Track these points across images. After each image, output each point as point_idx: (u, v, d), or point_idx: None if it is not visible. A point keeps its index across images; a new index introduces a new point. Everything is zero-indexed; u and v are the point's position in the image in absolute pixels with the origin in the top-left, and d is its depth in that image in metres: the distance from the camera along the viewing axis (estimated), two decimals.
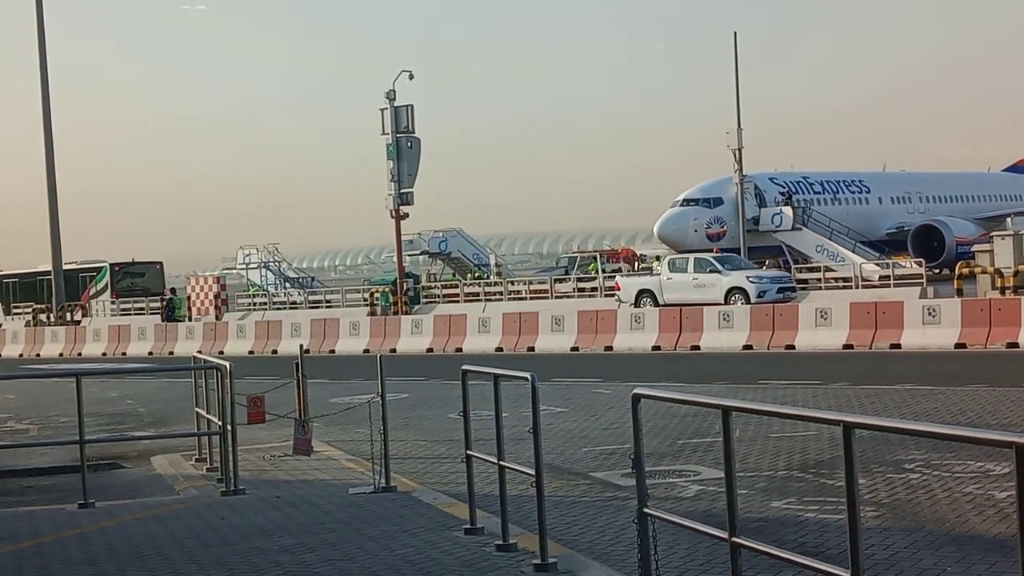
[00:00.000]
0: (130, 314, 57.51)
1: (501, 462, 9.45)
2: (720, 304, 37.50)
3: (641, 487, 7.38)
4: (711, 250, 54.49)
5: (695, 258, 42.34)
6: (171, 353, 44.68)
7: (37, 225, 55.42)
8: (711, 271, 40.64)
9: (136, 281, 63.38)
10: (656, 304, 39.99)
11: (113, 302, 60.39)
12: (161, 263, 67.73)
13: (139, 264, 65.82)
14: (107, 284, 63.13)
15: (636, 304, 40.69)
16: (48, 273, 65.47)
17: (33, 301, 63.64)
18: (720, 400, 6.75)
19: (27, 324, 57.78)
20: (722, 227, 54.68)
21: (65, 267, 66.70)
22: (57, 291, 56.66)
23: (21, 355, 50.95)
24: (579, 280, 51.21)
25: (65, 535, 11.04)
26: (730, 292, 39.71)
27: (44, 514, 12.48)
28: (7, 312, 64.47)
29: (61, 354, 49.27)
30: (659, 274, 42.41)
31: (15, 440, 20.09)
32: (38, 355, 50.18)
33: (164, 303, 54.67)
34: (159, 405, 24.33)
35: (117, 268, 63.95)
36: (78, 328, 52.48)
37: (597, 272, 54.05)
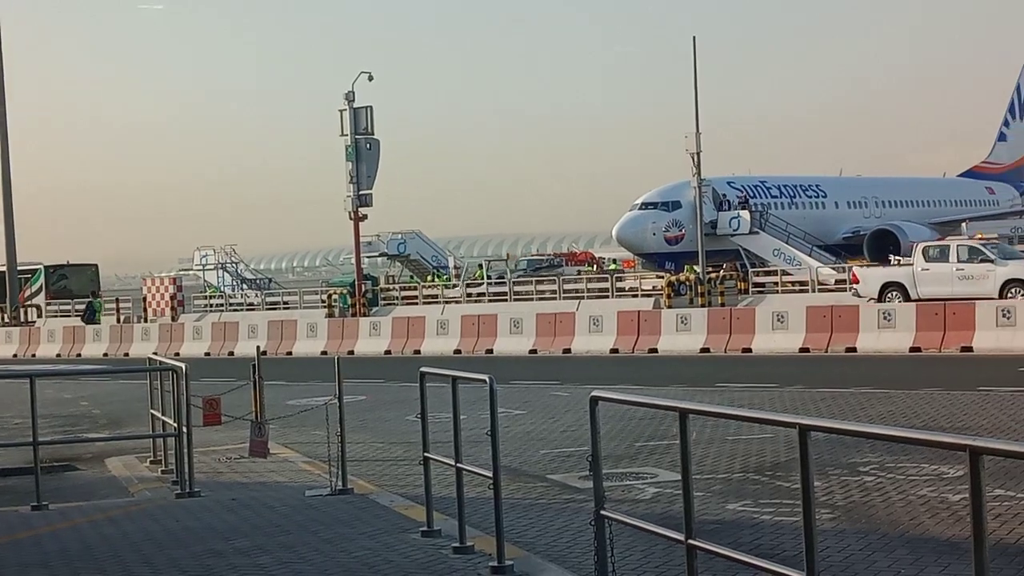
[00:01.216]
0: (55, 316, 57.06)
1: (459, 464, 9.44)
2: (994, 299, 32.34)
3: (598, 489, 7.39)
4: (669, 254, 54.74)
5: (960, 245, 36.79)
6: (126, 354, 44.33)
7: None
8: (982, 260, 35.11)
9: (71, 283, 62.80)
10: (907, 299, 34.84)
11: (49, 303, 59.78)
12: (96, 265, 67.12)
13: (74, 266, 65.28)
14: (42, 286, 62.63)
15: (880, 299, 35.49)
16: None
17: None
18: (677, 403, 6.77)
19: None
20: (680, 231, 54.88)
21: None
22: (11, 292, 56.11)
23: None
24: (468, 286, 50.86)
25: (19, 537, 10.93)
26: (1007, 285, 34.42)
27: None
28: None
29: (15, 355, 48.77)
30: (911, 264, 36.60)
31: None
32: None
33: (85, 305, 54.27)
34: (114, 407, 24.13)
35: (52, 270, 63.34)
36: (32, 329, 51.97)
37: (483, 279, 53.87)
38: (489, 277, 55.53)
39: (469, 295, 49.87)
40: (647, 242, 55.56)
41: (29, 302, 60.92)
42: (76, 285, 61.58)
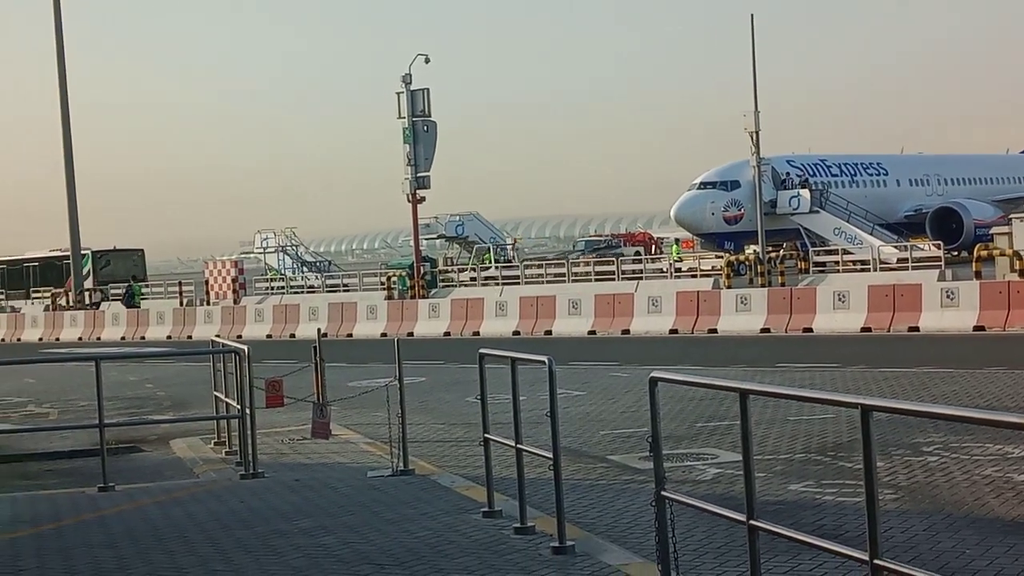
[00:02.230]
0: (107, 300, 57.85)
1: (519, 445, 9.46)
2: None
3: (659, 470, 7.38)
4: (728, 234, 54.47)
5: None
6: (190, 337, 44.80)
7: (61, 210, 55.82)
8: None
9: (118, 268, 63.65)
10: None
11: (98, 289, 60.68)
12: (142, 250, 67.99)
13: (120, 251, 66.16)
14: (90, 271, 63.57)
15: None
16: (41, 259, 66.35)
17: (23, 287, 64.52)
18: (737, 383, 6.75)
19: (46, 308, 58.10)
20: (739, 210, 54.56)
21: (50, 254, 67.47)
22: (76, 276, 56.91)
23: (40, 339, 51.18)
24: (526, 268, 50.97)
25: (85, 518, 11.11)
26: None
27: (65, 498, 12.55)
28: (27, 296, 64.90)
29: (80, 338, 49.46)
30: None
31: (36, 424, 20.19)
32: (57, 339, 50.39)
33: (124, 289, 55.19)
34: (178, 389, 24.42)
35: (99, 255, 64.20)
36: (97, 312, 52.68)
37: (491, 263, 53.83)
38: (497, 262, 55.54)
39: (528, 276, 49.86)
40: (706, 222, 55.29)
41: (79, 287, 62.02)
42: (123, 270, 62.44)
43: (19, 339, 52.21)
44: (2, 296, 65.19)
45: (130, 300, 54.20)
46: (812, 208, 54.63)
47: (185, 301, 54.05)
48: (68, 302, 57.17)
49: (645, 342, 32.15)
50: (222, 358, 15.57)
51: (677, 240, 65.14)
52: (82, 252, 65.29)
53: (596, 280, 46.41)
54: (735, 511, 6.75)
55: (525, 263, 54.55)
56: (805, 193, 55.05)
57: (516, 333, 36.73)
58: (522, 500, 9.52)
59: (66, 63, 54.72)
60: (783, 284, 39.90)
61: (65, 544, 9.95)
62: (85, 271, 63.87)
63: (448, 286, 49.58)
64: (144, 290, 59.00)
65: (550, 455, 8.77)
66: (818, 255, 46.95)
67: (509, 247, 63.97)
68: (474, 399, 10.86)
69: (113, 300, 57.03)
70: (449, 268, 56.26)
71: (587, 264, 50.73)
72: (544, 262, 54.85)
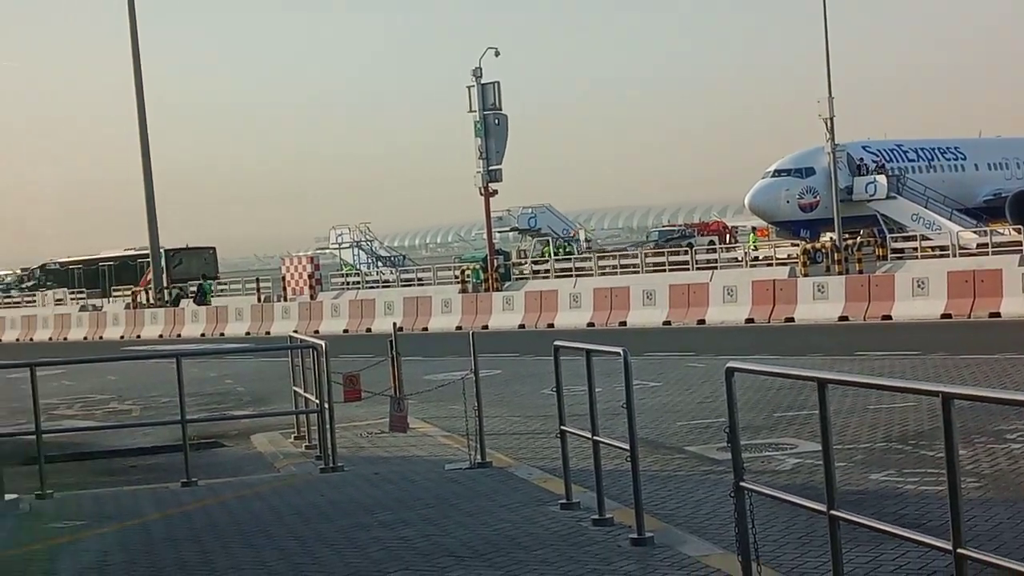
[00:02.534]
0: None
1: (595, 437, 9.46)
2: None
3: (737, 461, 7.35)
4: (803, 221, 53.94)
5: None
6: (268, 333, 45.31)
7: (140, 209, 56.80)
8: None
9: (190, 266, 64.58)
10: None
11: (177, 286, 61.68)
12: (213, 248, 68.84)
13: (192, 249, 67.13)
14: (163, 269, 64.55)
15: None
16: (116, 259, 67.63)
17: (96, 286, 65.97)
18: (816, 372, 6.69)
19: (127, 307, 59.12)
20: (815, 197, 54.01)
21: (124, 253, 68.81)
22: (156, 274, 57.79)
23: (122, 337, 52.04)
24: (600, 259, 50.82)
25: (170, 513, 11.28)
26: None
27: (148, 493, 12.76)
28: (105, 295, 66.19)
29: (161, 335, 50.21)
30: None
31: (119, 421, 20.54)
32: (138, 337, 51.20)
33: (198, 287, 56.07)
34: (257, 384, 24.69)
35: (171, 253, 65.18)
36: (177, 310, 53.45)
37: (550, 256, 53.66)
38: (556, 253, 55.40)
39: (601, 268, 49.75)
40: (781, 210, 54.78)
41: (151, 286, 63.16)
42: (195, 268, 63.41)
43: (101, 337, 53.14)
44: (83, 295, 66.51)
45: (202, 298, 55.12)
46: (889, 194, 53.91)
47: (263, 297, 54.66)
48: (148, 300, 58.10)
49: (721, 332, 31.96)
50: (300, 353, 15.74)
51: (754, 228, 64.57)
52: None
53: (670, 270, 46.22)
54: (815, 501, 6.70)
55: (598, 254, 54.41)
56: (882, 179, 54.34)
57: (590, 325, 36.70)
58: (600, 492, 9.52)
59: (142, 65, 55.50)
60: (861, 271, 39.49)
61: (150, 539, 10.12)
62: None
63: (522, 278, 49.62)
64: (220, 287, 59.88)
65: (627, 446, 8.76)
66: (896, 241, 46.34)
67: (582, 238, 63.81)
68: (550, 391, 10.89)
69: (189, 297, 57.98)
70: (523, 260, 56.28)
71: (661, 254, 50.50)
72: (617, 253, 54.68)
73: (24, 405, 15.53)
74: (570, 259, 53.55)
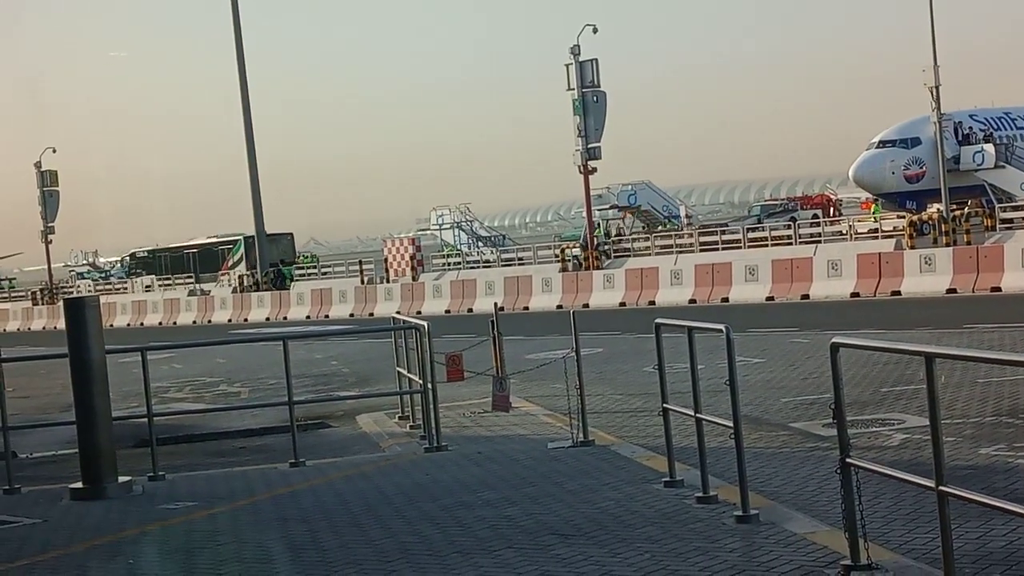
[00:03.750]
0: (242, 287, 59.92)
1: (698, 414, 9.42)
2: None
3: (843, 437, 7.27)
4: (909, 193, 52.95)
5: None
6: (371, 314, 45.79)
7: (245, 194, 57.98)
8: None
9: (269, 251, 65.71)
10: None
11: (250, 274, 62.98)
12: (291, 234, 70.04)
13: (271, 235, 68.23)
14: (242, 256, 65.94)
15: None
16: (200, 247, 69.59)
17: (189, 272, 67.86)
18: (923, 347, 6.58)
19: (234, 290, 60.28)
20: (920, 168, 52.96)
21: (207, 241, 70.85)
22: (262, 258, 58.77)
23: (230, 320, 53.00)
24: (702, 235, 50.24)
25: (279, 493, 11.48)
26: None
27: (258, 473, 12.99)
28: (198, 280, 67.89)
29: (268, 318, 51.01)
30: None
31: (228, 403, 20.95)
32: (246, 320, 52.11)
33: (275, 272, 57.53)
34: (362, 365, 24.99)
35: (251, 240, 66.25)
36: (283, 293, 54.27)
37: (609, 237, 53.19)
38: (651, 228, 54.95)
39: (703, 244, 49.37)
40: (886, 181, 53.82)
41: (233, 270, 64.87)
42: (274, 254, 64.54)
43: (209, 321, 54.19)
44: (190, 279, 68.10)
45: (281, 282, 56.25)
46: (997, 163, 52.63)
47: (366, 279, 55.23)
48: (245, 285, 59.34)
49: (825, 307, 31.56)
50: (403, 334, 15.88)
51: (877, 199, 63.08)
52: (235, 238, 68.09)
53: (773, 245, 45.73)
54: (923, 477, 6.61)
55: (700, 230, 53.99)
56: (989, 148, 53.08)
57: (692, 301, 36.50)
58: (703, 469, 9.48)
59: (245, 54, 56.30)
60: (969, 243, 38.66)
61: (260, 519, 10.31)
62: (237, 256, 66.52)
63: (622, 256, 49.47)
64: (324, 269, 60.83)
65: (730, 424, 8.71)
66: (1004, 212, 45.26)
67: (682, 214, 63.31)
68: (651, 369, 10.85)
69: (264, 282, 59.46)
70: (622, 238, 56.05)
71: (763, 229, 49.96)
72: (719, 228, 54.19)
73: (135, 389, 15.90)
74: (671, 235, 53.22)
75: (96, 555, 9.32)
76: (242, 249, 66.56)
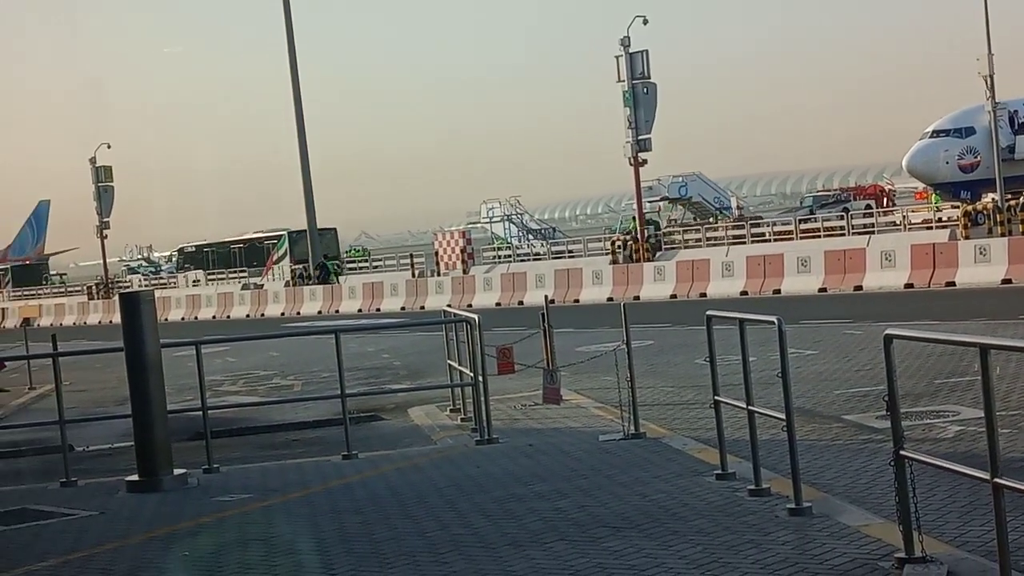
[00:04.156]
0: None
1: (750, 407, 9.39)
2: None
3: (897, 429, 7.22)
4: (964, 182, 52.41)
5: None
6: (422, 307, 45.92)
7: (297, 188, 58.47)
8: None
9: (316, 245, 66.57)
10: None
11: (301, 267, 63.52)
12: (335, 229, 70.74)
13: (316, 230, 69.02)
14: (286, 250, 66.56)
15: None
16: (244, 242, 70.52)
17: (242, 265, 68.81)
18: (978, 338, 6.53)
19: (286, 284, 60.79)
20: (975, 157, 52.44)
21: (252, 236, 71.94)
22: (314, 252, 59.18)
23: (282, 314, 53.36)
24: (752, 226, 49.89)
25: (332, 485, 11.56)
26: None
27: (311, 466, 13.09)
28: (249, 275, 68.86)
29: (320, 311, 51.31)
30: None
31: (281, 396, 21.11)
32: (298, 313, 52.43)
33: (320, 267, 58.10)
34: (413, 358, 25.08)
35: (295, 235, 67.14)
36: (335, 286, 54.57)
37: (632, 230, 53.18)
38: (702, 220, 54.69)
39: (754, 235, 49.12)
40: (940, 171, 53.34)
41: (276, 265, 65.65)
42: (320, 248, 65.23)
43: (262, 314, 54.57)
44: (236, 273, 69.01)
45: (325, 276, 56.74)
46: None
47: (417, 272, 55.42)
48: (299, 278, 59.80)
49: (879, 298, 31.31)
50: (454, 327, 15.93)
51: (936, 188, 62.43)
52: (279, 233, 68.80)
53: (825, 236, 45.39)
54: (978, 469, 6.55)
55: (751, 221, 53.70)
56: None
57: (743, 293, 36.31)
58: (756, 462, 9.45)
59: (297, 50, 56.62)
60: None
61: (313, 510, 10.39)
62: (282, 251, 67.14)
63: (673, 248, 49.32)
64: (375, 263, 61.20)
65: (783, 416, 8.68)
66: None
67: (734, 205, 63.04)
68: (703, 361, 10.83)
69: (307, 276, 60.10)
70: (673, 230, 55.89)
71: (815, 220, 49.60)
72: (774, 220, 53.87)
73: (190, 382, 16.07)
74: (719, 228, 52.97)
75: (152, 547, 9.43)
76: (286, 244, 67.20)
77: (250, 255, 72.19)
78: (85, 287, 76.95)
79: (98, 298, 70.03)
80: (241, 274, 68.72)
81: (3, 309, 77.38)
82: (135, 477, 11.99)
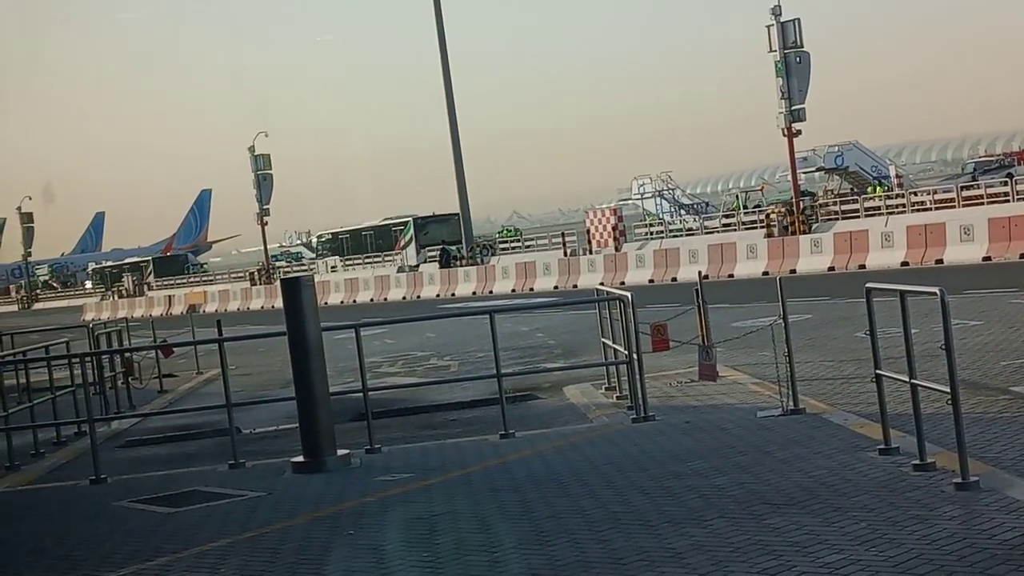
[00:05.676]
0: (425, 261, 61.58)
1: (913, 380, 9.19)
2: None
3: None
4: None
5: None
6: (575, 286, 46.00)
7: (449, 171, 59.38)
8: None
9: (438, 232, 67.48)
10: None
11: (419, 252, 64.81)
12: (458, 214, 71.41)
13: (439, 217, 70.17)
14: (412, 236, 67.72)
15: None
16: (375, 227, 72.41)
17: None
18: None
19: (400, 269, 62.21)
20: None
21: (382, 222, 74.16)
22: (467, 236, 59.87)
23: (438, 295, 54.04)
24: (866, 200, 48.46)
25: (489, 464, 11.68)
26: None
27: (469, 445, 13.25)
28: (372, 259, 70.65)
29: (474, 292, 51.81)
30: None
31: (439, 376, 21.39)
32: (453, 294, 53.03)
33: (441, 251, 60.10)
34: (567, 337, 25.15)
35: (420, 221, 68.53)
36: (488, 267, 55.02)
37: (739, 209, 52.06)
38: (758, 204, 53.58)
39: (914, 204, 47.89)
40: None
41: (404, 250, 67.12)
42: (443, 234, 66.14)
43: (418, 296, 55.36)
44: (369, 258, 70.89)
45: (447, 261, 57.98)
46: None
47: (569, 251, 55.47)
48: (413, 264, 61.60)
49: None
50: (607, 305, 15.92)
51: None
52: (405, 220, 70.42)
53: (989, 203, 44.01)
54: None
55: (911, 191, 52.36)
56: None
57: (904, 264, 35.50)
58: (920, 436, 9.25)
59: (446, 35, 57.14)
60: None
61: (473, 489, 10.52)
62: (408, 236, 68.55)
63: (830, 219, 48.40)
64: (506, 244, 62.34)
65: (947, 388, 8.47)
66: None
67: (892, 174, 61.44)
68: (863, 335, 10.63)
69: (430, 260, 62.19)
70: (830, 201, 54.83)
71: (978, 187, 48.10)
72: (935, 188, 52.43)
73: (351, 364, 16.38)
74: (878, 197, 51.74)
75: (319, 526, 9.67)
76: (412, 230, 68.68)
77: (380, 240, 74.00)
78: (247, 273, 79.05)
79: (260, 284, 71.95)
80: (375, 259, 70.49)
81: (170, 296, 79.97)
82: (300, 458, 12.30)
